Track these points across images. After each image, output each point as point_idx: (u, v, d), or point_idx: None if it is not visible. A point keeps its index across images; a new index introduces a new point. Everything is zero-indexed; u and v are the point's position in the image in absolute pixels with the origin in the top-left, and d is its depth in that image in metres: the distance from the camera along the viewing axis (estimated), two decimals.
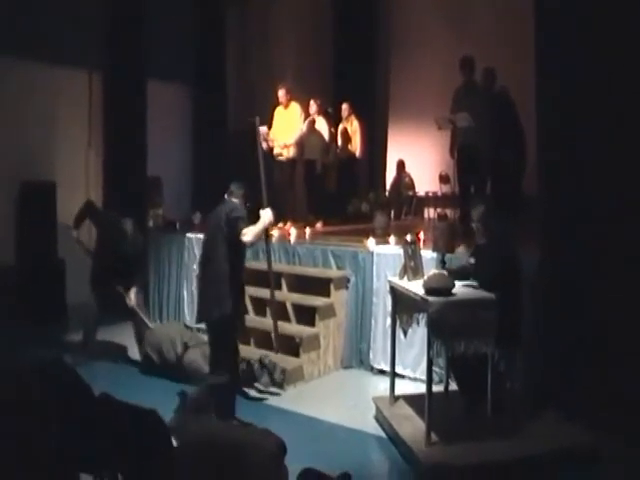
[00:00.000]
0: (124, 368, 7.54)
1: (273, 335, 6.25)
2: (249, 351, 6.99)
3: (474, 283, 5.37)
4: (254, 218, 5.53)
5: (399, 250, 6.57)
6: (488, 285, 5.15)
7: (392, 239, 7.57)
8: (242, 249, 5.54)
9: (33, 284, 8.84)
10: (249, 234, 5.34)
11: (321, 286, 7.52)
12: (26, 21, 8.96)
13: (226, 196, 5.67)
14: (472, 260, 5.59)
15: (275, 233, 8.76)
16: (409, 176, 13.21)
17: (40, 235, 9.18)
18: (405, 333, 5.84)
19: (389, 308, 6.26)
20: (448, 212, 10.59)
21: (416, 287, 5.27)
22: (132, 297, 7.62)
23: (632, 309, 5.21)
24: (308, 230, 9.20)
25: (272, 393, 6.61)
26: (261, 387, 6.63)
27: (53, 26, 9.24)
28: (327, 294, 7.47)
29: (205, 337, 7.42)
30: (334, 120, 11.34)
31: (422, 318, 5.32)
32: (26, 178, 9.20)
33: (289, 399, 6.44)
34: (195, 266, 9.12)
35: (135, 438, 2.44)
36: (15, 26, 8.85)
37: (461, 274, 5.52)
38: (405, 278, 5.65)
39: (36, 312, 8.45)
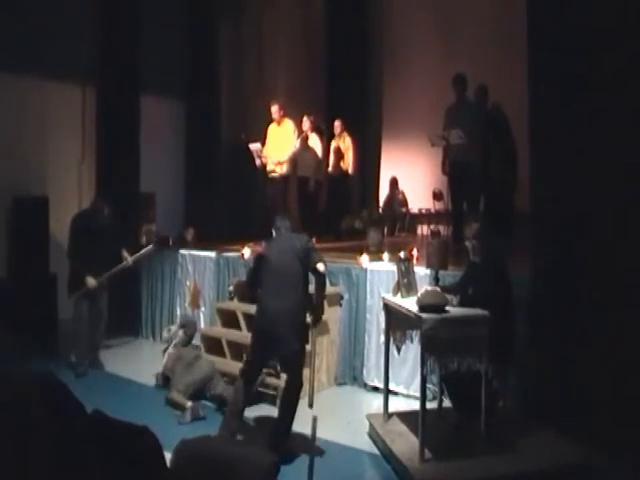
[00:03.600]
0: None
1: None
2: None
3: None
4: None
5: (392, 267, 6.58)
6: (481, 302, 5.15)
7: (385, 256, 7.56)
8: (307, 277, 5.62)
9: (24, 298, 8.79)
10: (324, 265, 5.56)
11: None
12: (19, 36, 8.96)
13: (275, 231, 5.80)
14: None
15: None
16: (402, 193, 13.27)
17: (32, 250, 9.15)
18: (399, 350, 5.83)
19: (383, 325, 6.25)
20: (441, 229, 10.62)
21: (410, 304, 5.27)
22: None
23: (625, 324, 5.21)
24: None
25: None
26: None
27: (46, 41, 9.24)
28: None
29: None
30: (327, 137, 11.38)
31: (416, 335, 5.31)
32: (19, 193, 9.18)
33: None
34: (188, 282, 9.13)
35: (127, 455, 2.42)
36: (8, 42, 8.85)
37: (455, 290, 5.53)
38: (399, 295, 5.65)
39: (27, 326, 8.40)
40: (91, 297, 7.87)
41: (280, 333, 5.35)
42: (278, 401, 5.79)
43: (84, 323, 7.84)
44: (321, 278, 5.64)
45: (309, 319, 5.78)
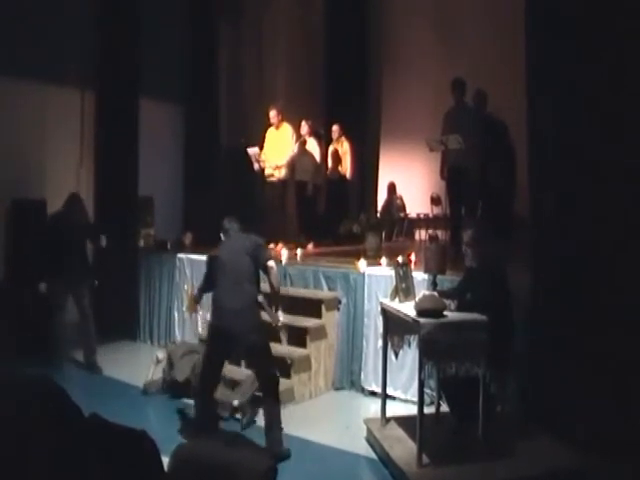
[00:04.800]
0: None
1: None
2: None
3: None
4: None
5: (390, 271, 6.57)
6: (479, 307, 5.15)
7: (383, 260, 7.57)
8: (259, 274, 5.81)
9: (23, 301, 8.77)
10: (274, 262, 5.83)
11: (312, 307, 7.51)
12: (18, 39, 8.95)
13: (223, 234, 5.97)
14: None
15: None
16: (400, 198, 13.27)
17: (30, 253, 9.13)
18: (396, 355, 5.82)
19: (380, 329, 6.25)
20: (439, 233, 10.62)
21: (407, 309, 5.27)
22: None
23: (625, 331, 5.21)
24: (299, 251, 9.19)
25: None
26: None
27: (45, 44, 9.23)
28: (318, 315, 7.45)
29: None
30: (325, 141, 11.38)
31: (413, 340, 5.30)
32: (17, 196, 9.17)
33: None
34: (186, 286, 9.10)
35: (124, 460, 2.42)
36: (7, 44, 8.84)
37: (453, 295, 5.54)
38: (396, 299, 5.65)
39: (25, 329, 8.38)
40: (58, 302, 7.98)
41: (238, 329, 5.50)
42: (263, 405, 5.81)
43: (63, 326, 7.97)
44: (272, 275, 5.79)
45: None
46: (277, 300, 6.00)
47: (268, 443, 5.45)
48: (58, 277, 7.85)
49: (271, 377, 5.68)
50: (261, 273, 5.81)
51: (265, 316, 5.89)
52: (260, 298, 5.61)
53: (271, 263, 5.78)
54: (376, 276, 7.30)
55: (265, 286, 5.92)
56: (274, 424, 5.54)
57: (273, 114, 9.89)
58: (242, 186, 11.45)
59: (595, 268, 5.43)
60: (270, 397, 5.60)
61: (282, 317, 5.98)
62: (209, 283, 5.91)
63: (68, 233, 7.88)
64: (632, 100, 5.36)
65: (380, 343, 6.34)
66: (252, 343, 5.55)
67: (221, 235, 6.02)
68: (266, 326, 5.88)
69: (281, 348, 7.34)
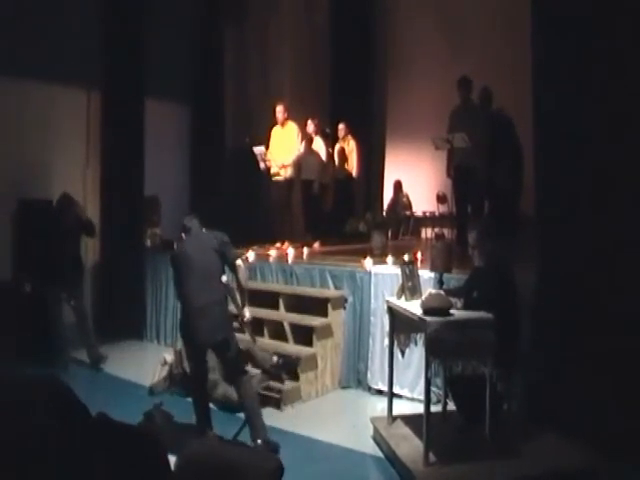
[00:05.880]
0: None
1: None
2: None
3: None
4: None
5: (397, 270, 6.57)
6: (486, 305, 5.14)
7: (390, 259, 7.57)
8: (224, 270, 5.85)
9: (26, 303, 8.80)
10: (241, 260, 5.92)
11: (319, 306, 7.51)
12: (24, 39, 8.97)
13: (185, 233, 5.94)
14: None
15: (273, 253, 8.80)
16: (406, 196, 13.26)
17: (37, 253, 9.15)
18: (403, 353, 5.83)
19: (387, 328, 6.23)
20: (445, 232, 10.60)
21: (414, 307, 5.26)
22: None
23: (629, 329, 5.20)
24: (306, 250, 9.20)
25: None
26: None
27: (51, 44, 9.24)
28: (325, 314, 7.45)
29: None
30: (331, 140, 11.38)
31: (420, 338, 5.31)
32: (23, 196, 9.19)
33: (287, 419, 6.41)
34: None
35: (131, 459, 2.42)
36: (12, 45, 8.86)
37: (459, 294, 5.53)
38: (403, 298, 5.65)
39: (31, 328, 8.40)
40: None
41: (207, 325, 5.51)
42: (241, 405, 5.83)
43: (63, 326, 8.03)
44: (240, 273, 5.80)
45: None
46: (244, 297, 5.98)
47: (254, 434, 5.43)
48: (47, 277, 7.89)
49: (242, 373, 5.68)
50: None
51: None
52: (224, 278, 5.63)
53: (239, 262, 5.81)
54: (382, 274, 7.29)
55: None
56: (254, 417, 5.53)
57: (280, 110, 9.90)
58: (248, 185, 11.46)
59: (600, 266, 5.41)
60: (246, 395, 5.61)
61: (248, 313, 5.96)
62: (175, 284, 5.92)
63: (59, 233, 7.89)
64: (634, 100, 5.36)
65: (386, 341, 6.32)
66: (222, 339, 5.55)
67: (182, 235, 5.99)
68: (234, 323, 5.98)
69: (288, 347, 7.36)
